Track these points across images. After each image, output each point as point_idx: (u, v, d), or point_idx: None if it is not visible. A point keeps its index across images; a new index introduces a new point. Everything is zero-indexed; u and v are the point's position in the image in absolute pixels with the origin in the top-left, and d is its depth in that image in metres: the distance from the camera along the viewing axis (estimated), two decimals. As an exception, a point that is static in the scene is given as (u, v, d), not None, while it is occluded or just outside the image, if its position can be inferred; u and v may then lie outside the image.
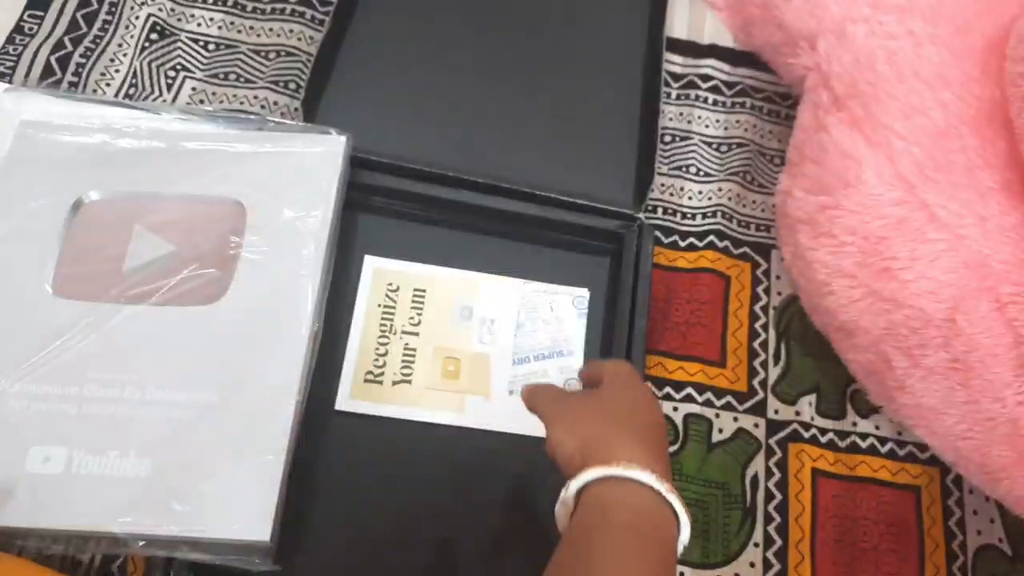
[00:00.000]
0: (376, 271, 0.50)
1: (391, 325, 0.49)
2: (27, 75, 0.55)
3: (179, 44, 0.58)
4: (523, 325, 0.50)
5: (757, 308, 0.55)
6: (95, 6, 0.58)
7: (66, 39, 0.57)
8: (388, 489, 0.46)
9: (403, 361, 0.48)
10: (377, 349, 0.48)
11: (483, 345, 0.49)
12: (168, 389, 0.42)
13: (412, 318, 0.49)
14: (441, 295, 0.50)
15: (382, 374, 0.48)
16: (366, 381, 0.48)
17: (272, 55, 0.59)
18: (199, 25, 0.59)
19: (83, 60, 0.56)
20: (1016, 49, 0.44)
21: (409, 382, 0.48)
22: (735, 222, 0.57)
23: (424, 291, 0.50)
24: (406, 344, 0.49)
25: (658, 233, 0.55)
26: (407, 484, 0.46)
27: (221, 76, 0.57)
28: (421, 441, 0.47)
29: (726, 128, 0.60)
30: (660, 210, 0.57)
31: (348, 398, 0.47)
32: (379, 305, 0.49)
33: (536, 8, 0.61)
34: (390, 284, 0.50)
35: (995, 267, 0.42)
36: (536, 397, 0.39)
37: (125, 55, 0.57)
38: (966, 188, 0.43)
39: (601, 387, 0.38)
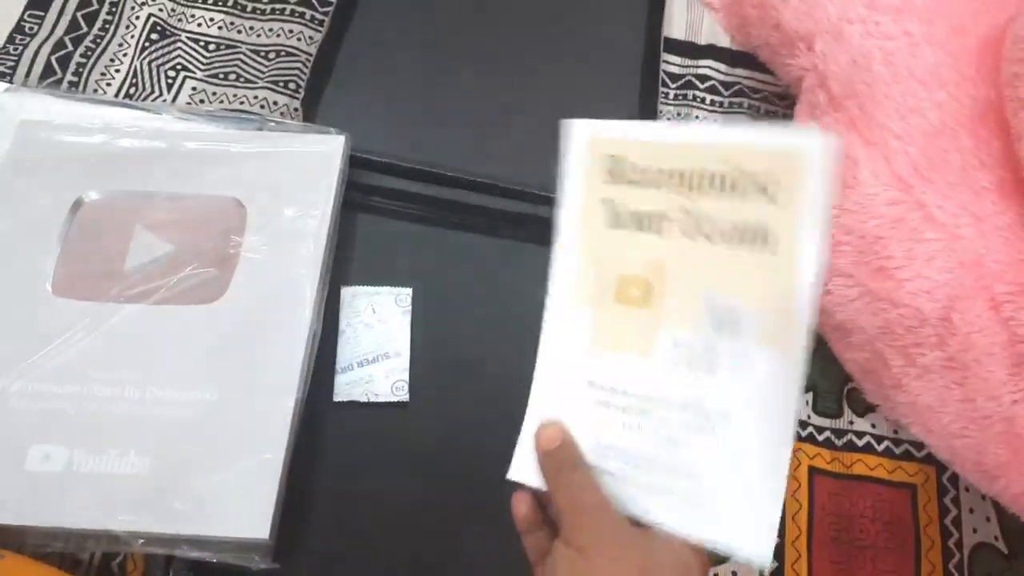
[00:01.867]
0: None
1: None
2: (27, 75, 0.55)
3: (179, 44, 0.58)
4: (343, 332, 0.47)
5: (754, 307, 0.55)
6: (95, 6, 0.58)
7: (66, 39, 0.57)
8: (387, 481, 0.46)
9: None
10: None
11: None
12: (168, 388, 0.42)
13: None
14: None
15: None
16: None
17: (272, 55, 0.59)
18: (199, 25, 0.59)
19: (83, 60, 0.56)
20: (1012, 50, 0.44)
21: None
22: (733, 222, 0.57)
23: None
24: None
25: (656, 233, 0.55)
26: (407, 473, 0.46)
27: (221, 76, 0.58)
28: (418, 428, 0.47)
29: (724, 128, 0.61)
30: (658, 210, 0.57)
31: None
32: None
33: (535, 8, 0.61)
34: None
35: (990, 266, 0.43)
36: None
37: (125, 55, 0.57)
38: (961, 188, 0.44)
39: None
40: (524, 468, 0.34)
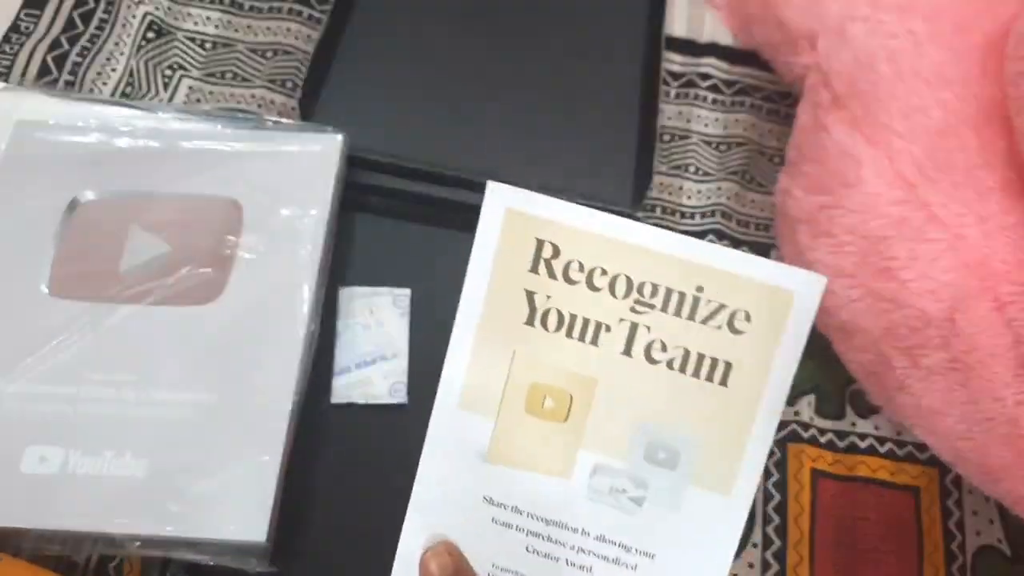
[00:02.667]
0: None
1: None
2: (23, 74, 0.55)
3: (176, 43, 0.58)
4: (341, 333, 0.44)
5: (756, 308, 0.54)
6: (91, 5, 0.58)
7: (62, 38, 0.56)
8: (385, 483, 0.46)
9: None
10: None
11: None
12: (164, 389, 0.42)
13: None
14: None
15: None
16: None
17: (269, 54, 0.58)
18: (196, 24, 0.59)
19: (80, 59, 0.56)
20: (1016, 49, 0.43)
21: None
22: (734, 221, 0.57)
23: None
24: None
25: (657, 233, 0.55)
26: (405, 476, 0.46)
27: (218, 75, 0.57)
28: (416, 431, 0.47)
29: (725, 127, 0.60)
30: (659, 209, 0.57)
31: None
32: None
33: (535, 6, 0.60)
34: None
35: (995, 267, 0.42)
36: None
37: (122, 54, 0.57)
38: (966, 188, 0.43)
39: None
40: None
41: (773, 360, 0.27)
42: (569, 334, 0.28)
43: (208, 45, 0.58)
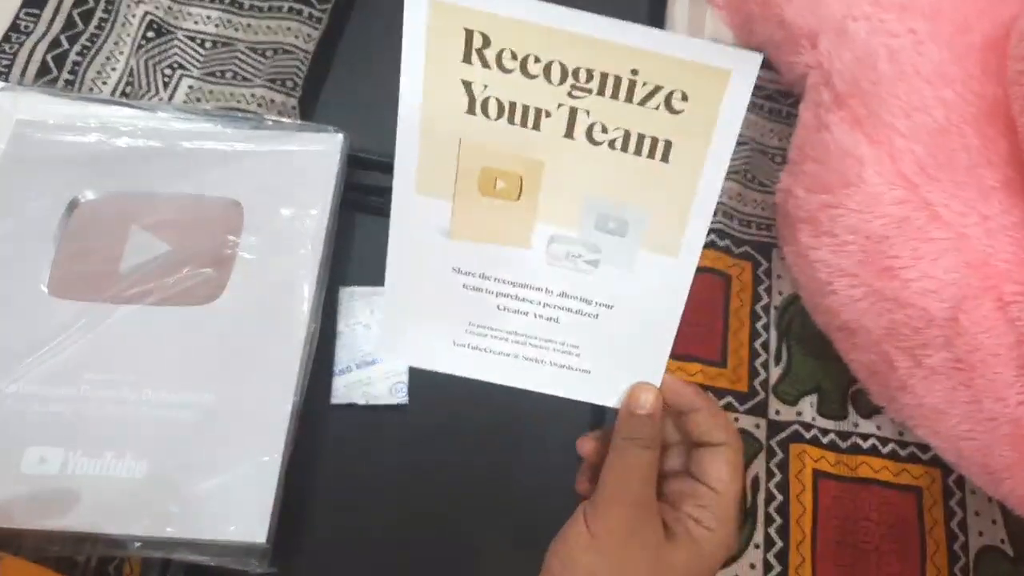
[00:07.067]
0: None
1: None
2: (23, 74, 0.54)
3: (176, 42, 0.58)
4: (341, 333, 0.46)
5: (758, 308, 0.54)
6: (91, 4, 0.58)
7: (62, 37, 0.56)
8: (385, 484, 0.46)
9: None
10: None
11: None
12: (164, 390, 0.42)
13: None
14: None
15: None
16: None
17: (269, 53, 0.58)
18: (196, 23, 0.59)
19: (79, 58, 0.56)
20: (1017, 47, 0.43)
21: None
22: (736, 221, 0.57)
23: None
24: None
25: (658, 232, 0.55)
26: (406, 477, 0.46)
27: (218, 74, 0.57)
28: (416, 431, 0.47)
29: (726, 126, 0.60)
30: (660, 209, 0.57)
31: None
32: None
33: (535, 6, 0.60)
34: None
35: (997, 266, 0.42)
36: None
37: (122, 53, 0.56)
38: (968, 187, 0.43)
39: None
40: (392, 346, 0.34)
41: (712, 136, 0.28)
42: (511, 121, 0.29)
43: (208, 44, 0.58)
